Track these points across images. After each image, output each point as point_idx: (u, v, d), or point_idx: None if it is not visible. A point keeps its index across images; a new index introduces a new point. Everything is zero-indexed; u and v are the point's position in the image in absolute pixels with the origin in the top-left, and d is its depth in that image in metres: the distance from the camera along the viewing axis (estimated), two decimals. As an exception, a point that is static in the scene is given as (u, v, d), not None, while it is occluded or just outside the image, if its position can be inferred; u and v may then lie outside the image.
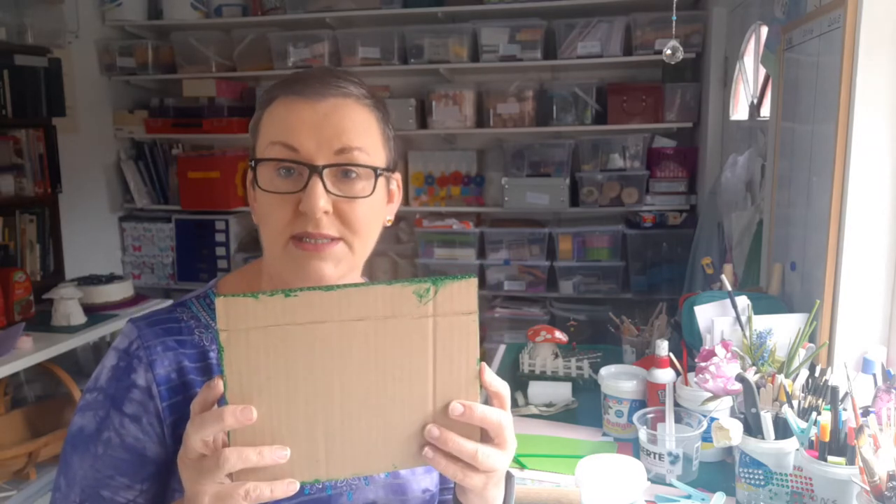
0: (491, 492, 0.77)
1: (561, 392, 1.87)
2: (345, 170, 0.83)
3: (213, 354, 0.88)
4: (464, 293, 0.70)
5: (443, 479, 0.99)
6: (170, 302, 0.98)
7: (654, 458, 1.44)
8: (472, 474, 0.72)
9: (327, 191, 0.82)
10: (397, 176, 0.93)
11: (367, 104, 0.87)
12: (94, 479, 0.84)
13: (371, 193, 0.85)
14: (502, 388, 0.75)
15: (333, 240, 0.83)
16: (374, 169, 0.85)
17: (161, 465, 0.86)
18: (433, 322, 0.70)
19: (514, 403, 1.87)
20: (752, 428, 1.31)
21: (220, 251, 4.00)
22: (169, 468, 0.85)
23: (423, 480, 0.94)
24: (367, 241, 0.87)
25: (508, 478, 0.83)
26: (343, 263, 0.85)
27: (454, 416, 0.70)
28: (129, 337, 0.88)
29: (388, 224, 0.93)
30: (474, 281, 0.71)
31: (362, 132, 0.85)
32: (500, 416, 0.73)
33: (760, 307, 1.59)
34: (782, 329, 1.50)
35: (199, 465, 0.67)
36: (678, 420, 1.50)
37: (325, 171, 0.82)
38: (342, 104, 0.84)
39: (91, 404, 0.87)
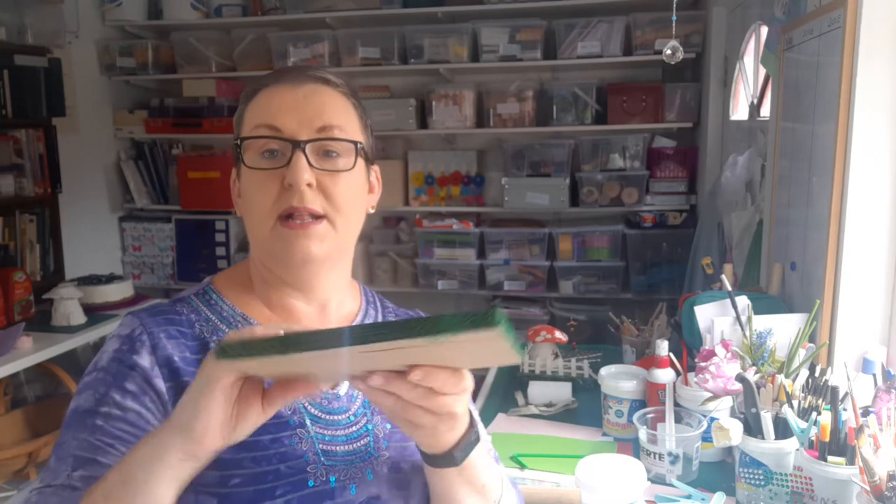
0: (443, 435, 0.75)
1: (561, 392, 1.87)
2: (326, 148, 0.88)
3: (212, 346, 0.89)
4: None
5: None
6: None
7: (654, 458, 1.44)
8: (417, 412, 0.69)
9: (310, 165, 0.86)
10: (376, 168, 0.98)
11: (343, 92, 0.93)
12: (90, 448, 0.80)
13: (352, 167, 0.89)
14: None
15: (318, 218, 0.87)
16: (355, 143, 0.90)
17: None
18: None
19: (514, 403, 1.87)
20: (752, 428, 1.31)
21: (220, 251, 4.00)
22: None
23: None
24: (349, 219, 0.91)
25: (473, 425, 0.79)
26: (328, 241, 0.89)
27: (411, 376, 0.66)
28: (132, 325, 0.89)
29: (372, 211, 0.98)
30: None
31: (341, 113, 0.91)
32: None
33: (760, 307, 1.59)
34: (782, 329, 1.50)
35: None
36: (678, 420, 1.50)
37: (308, 147, 0.87)
38: (321, 89, 0.90)
39: (89, 384, 0.85)
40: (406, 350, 0.62)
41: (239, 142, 0.90)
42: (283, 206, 0.86)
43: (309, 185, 0.86)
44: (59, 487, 0.77)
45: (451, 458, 0.78)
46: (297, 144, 0.86)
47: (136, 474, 0.68)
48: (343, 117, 0.90)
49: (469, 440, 0.78)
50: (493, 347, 0.62)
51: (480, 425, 0.85)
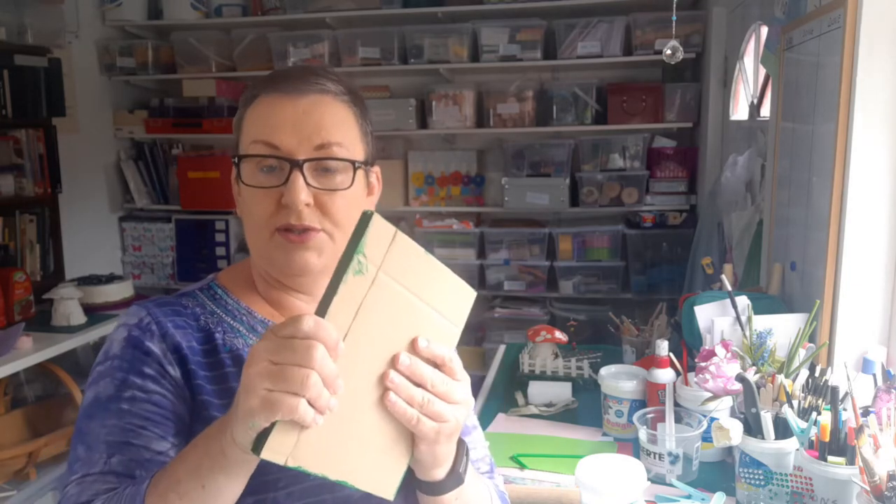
0: (442, 446, 0.78)
1: (561, 392, 1.87)
2: (324, 164, 0.88)
3: (217, 336, 0.90)
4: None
5: None
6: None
7: (654, 458, 1.44)
8: (425, 420, 0.73)
9: (308, 184, 0.86)
10: (377, 169, 0.98)
11: (345, 100, 0.91)
12: (121, 433, 0.81)
13: (350, 186, 0.89)
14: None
15: (316, 230, 0.87)
16: (353, 162, 0.90)
17: (188, 425, 0.85)
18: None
19: (514, 403, 1.87)
20: (752, 428, 1.31)
21: (220, 251, 4.00)
22: (194, 431, 0.84)
23: None
24: (347, 231, 0.89)
25: (461, 444, 0.83)
26: (326, 253, 0.89)
27: (420, 349, 0.73)
28: (139, 314, 0.89)
29: None
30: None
31: (341, 127, 0.89)
32: (449, 351, 0.76)
33: (760, 307, 1.59)
34: (782, 329, 1.50)
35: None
36: (678, 420, 1.50)
37: (306, 166, 0.86)
38: (321, 101, 0.89)
39: (104, 373, 0.85)
40: (370, 311, 0.69)
41: (237, 160, 0.90)
42: (281, 223, 0.87)
43: (307, 204, 0.86)
44: (100, 474, 0.78)
45: (442, 485, 0.82)
46: (294, 164, 0.86)
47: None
48: (342, 131, 0.89)
49: (457, 473, 0.82)
50: (421, 268, 0.73)
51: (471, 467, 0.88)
